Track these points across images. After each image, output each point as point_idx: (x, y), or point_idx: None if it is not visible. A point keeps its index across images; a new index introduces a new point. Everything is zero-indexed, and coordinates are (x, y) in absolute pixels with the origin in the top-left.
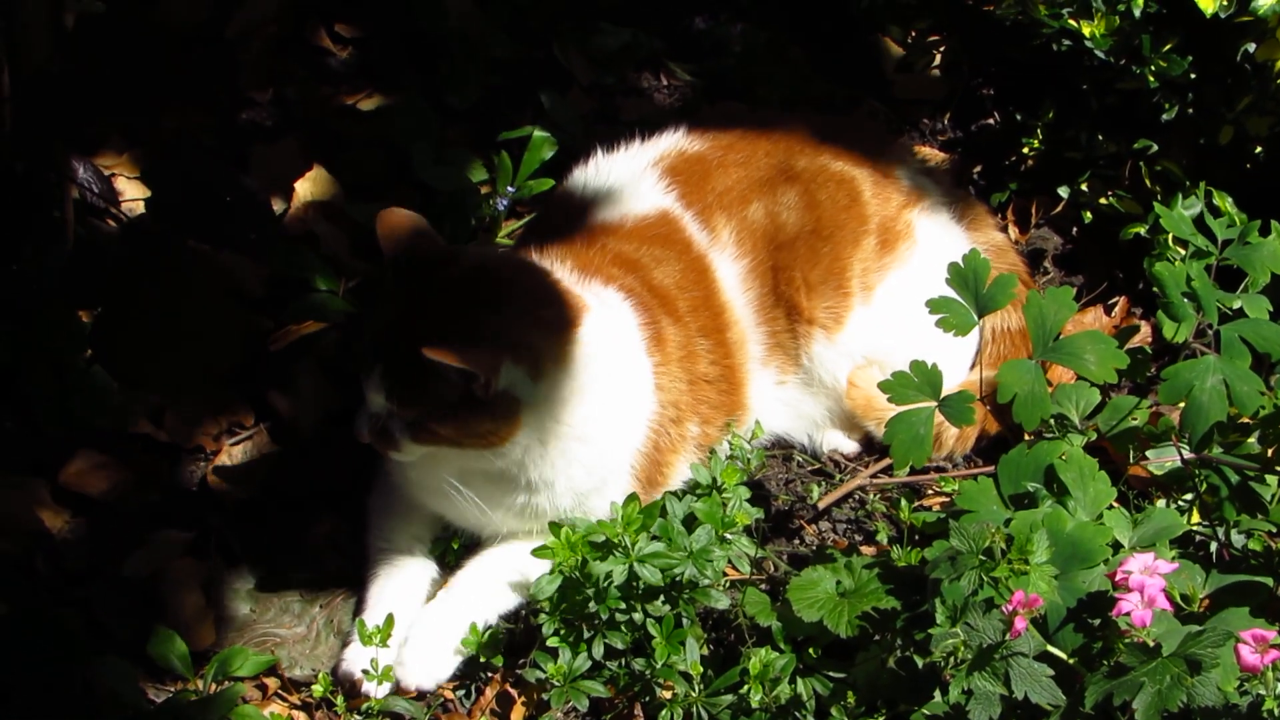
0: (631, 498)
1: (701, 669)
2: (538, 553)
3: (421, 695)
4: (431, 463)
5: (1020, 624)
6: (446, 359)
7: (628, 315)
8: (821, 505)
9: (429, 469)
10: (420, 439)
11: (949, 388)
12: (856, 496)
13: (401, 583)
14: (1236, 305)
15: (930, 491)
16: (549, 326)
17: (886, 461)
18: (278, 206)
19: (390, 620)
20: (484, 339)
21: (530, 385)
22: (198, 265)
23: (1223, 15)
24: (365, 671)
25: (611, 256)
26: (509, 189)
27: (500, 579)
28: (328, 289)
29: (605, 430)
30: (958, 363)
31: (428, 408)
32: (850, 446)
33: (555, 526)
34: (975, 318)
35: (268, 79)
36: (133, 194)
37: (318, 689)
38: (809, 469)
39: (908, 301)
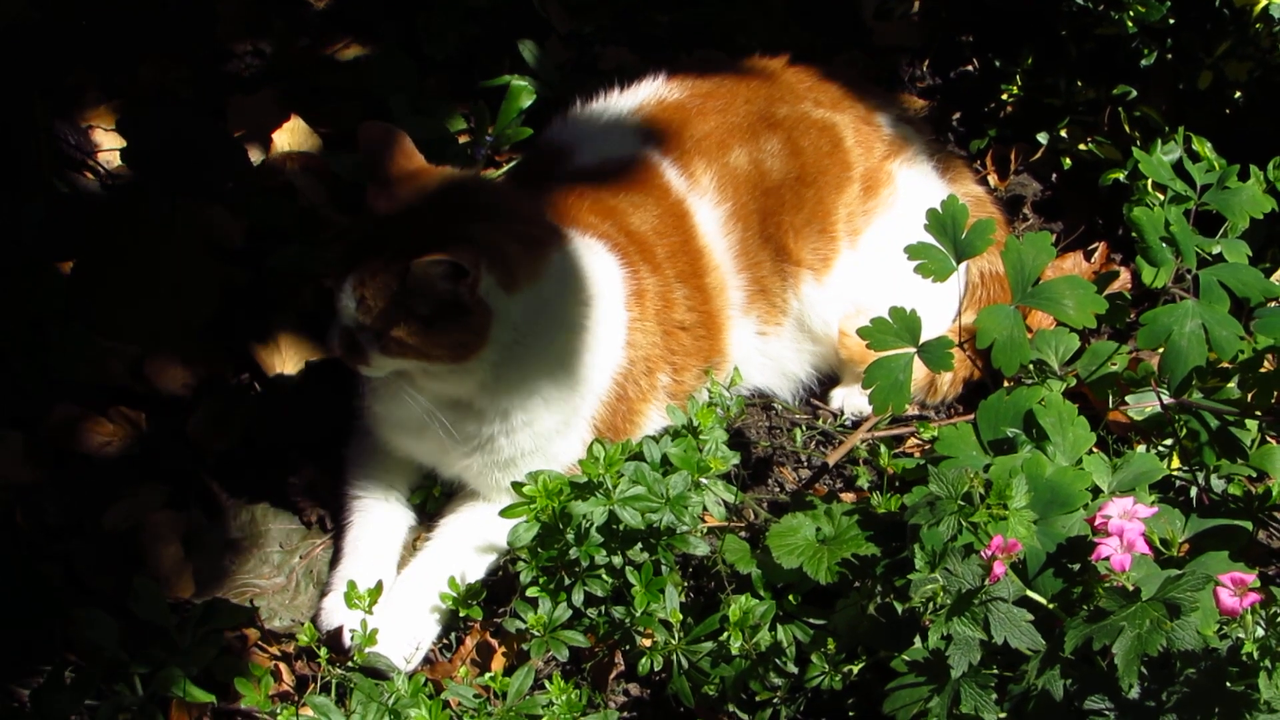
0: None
1: (681, 617)
2: (506, 512)
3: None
4: (401, 393)
5: (999, 569)
6: (429, 265)
7: (612, 264)
8: (831, 462)
9: (398, 400)
10: (389, 351)
11: (938, 333)
12: (836, 442)
13: (377, 532)
14: (1216, 250)
15: (912, 439)
16: (524, 241)
17: (883, 415)
18: (256, 157)
19: (379, 587)
20: (462, 240)
21: (503, 296)
22: (175, 216)
23: None
24: (352, 631)
25: (590, 203)
26: (487, 138)
27: (470, 546)
28: (306, 240)
29: (570, 366)
30: (945, 308)
31: (397, 318)
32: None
33: (518, 486)
34: (954, 263)
35: (246, 30)
36: (110, 146)
37: (303, 638)
38: (790, 417)
39: (893, 248)
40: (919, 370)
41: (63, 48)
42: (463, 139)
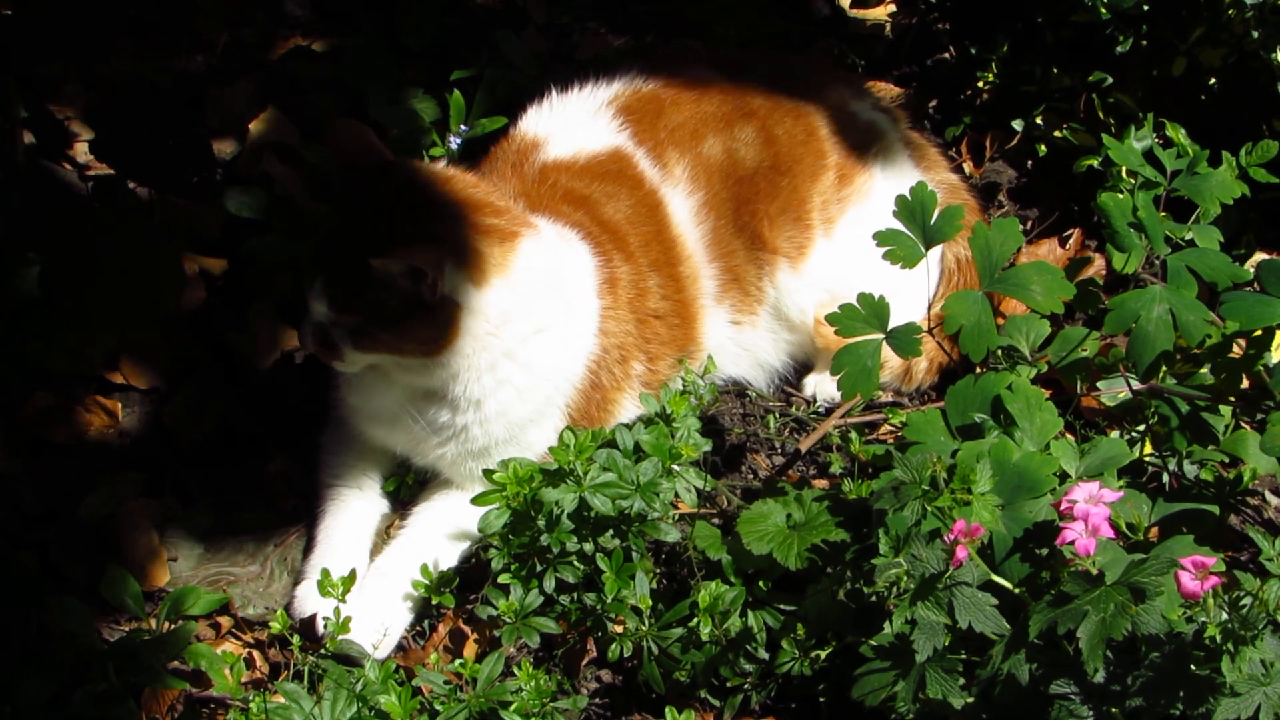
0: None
1: (651, 603)
2: (478, 500)
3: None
4: (375, 385)
5: (961, 553)
6: (388, 264)
7: (584, 253)
8: (804, 448)
9: (372, 392)
10: (362, 346)
11: (915, 320)
12: (809, 429)
13: (350, 520)
14: (1188, 236)
15: (886, 425)
16: (492, 235)
17: (854, 401)
18: (232, 148)
19: (353, 575)
20: (424, 240)
21: (471, 291)
22: (148, 206)
23: None
24: (325, 619)
25: (563, 193)
26: (462, 128)
27: (443, 534)
28: (281, 230)
29: (542, 355)
30: (920, 295)
31: (368, 314)
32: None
33: (489, 473)
34: (922, 249)
35: (223, 21)
36: (86, 137)
37: (275, 625)
38: (764, 404)
39: (868, 237)
40: (895, 358)
41: (39, 37)
42: (438, 129)
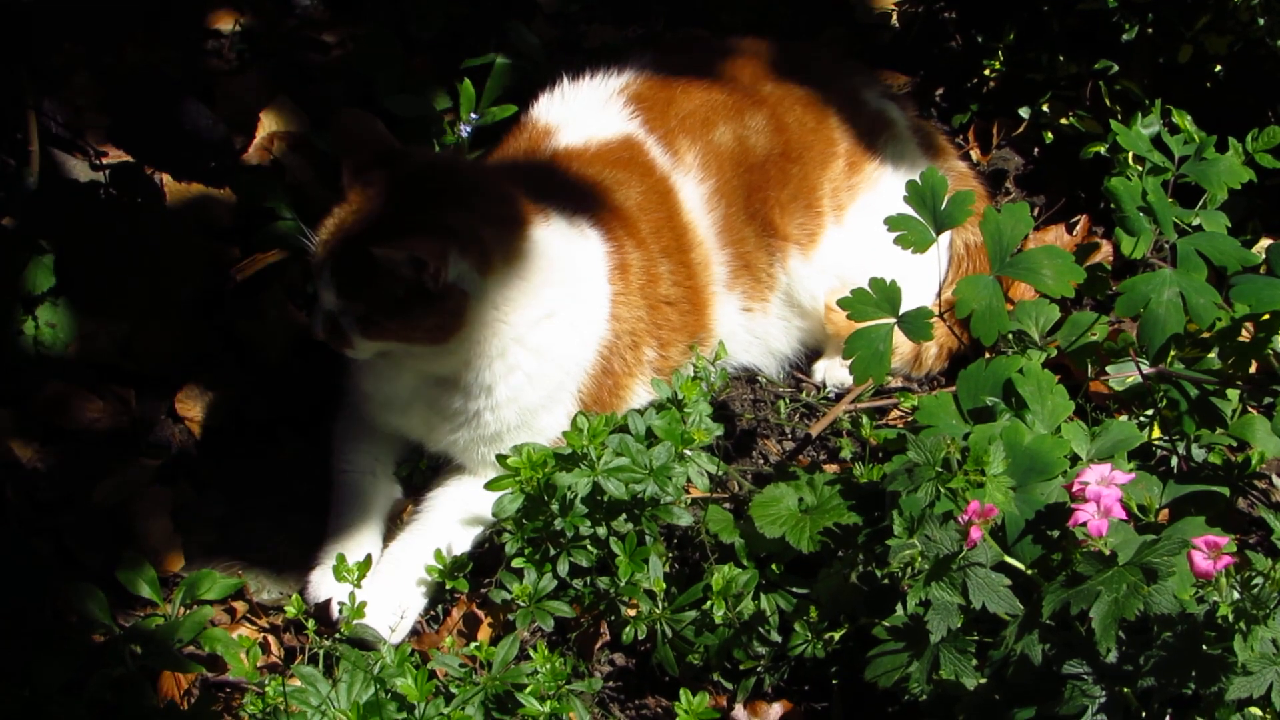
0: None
1: (665, 586)
2: (491, 484)
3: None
4: (386, 372)
5: (975, 534)
6: (391, 253)
7: (595, 240)
8: (814, 433)
9: (384, 379)
10: (370, 334)
11: (925, 305)
12: (819, 414)
13: (364, 505)
14: (1196, 222)
15: (895, 412)
16: (499, 222)
17: (865, 386)
18: (243, 138)
19: (369, 560)
20: (428, 230)
21: (478, 279)
22: (162, 195)
23: None
24: (340, 603)
25: (574, 181)
26: (472, 116)
27: (456, 519)
28: (293, 218)
29: (552, 340)
30: (931, 282)
31: (375, 302)
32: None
33: (503, 458)
34: (933, 234)
35: (234, 10)
36: (100, 127)
37: (290, 610)
38: (774, 390)
39: (878, 224)
40: (905, 344)
41: (51, 27)
42: (448, 118)
